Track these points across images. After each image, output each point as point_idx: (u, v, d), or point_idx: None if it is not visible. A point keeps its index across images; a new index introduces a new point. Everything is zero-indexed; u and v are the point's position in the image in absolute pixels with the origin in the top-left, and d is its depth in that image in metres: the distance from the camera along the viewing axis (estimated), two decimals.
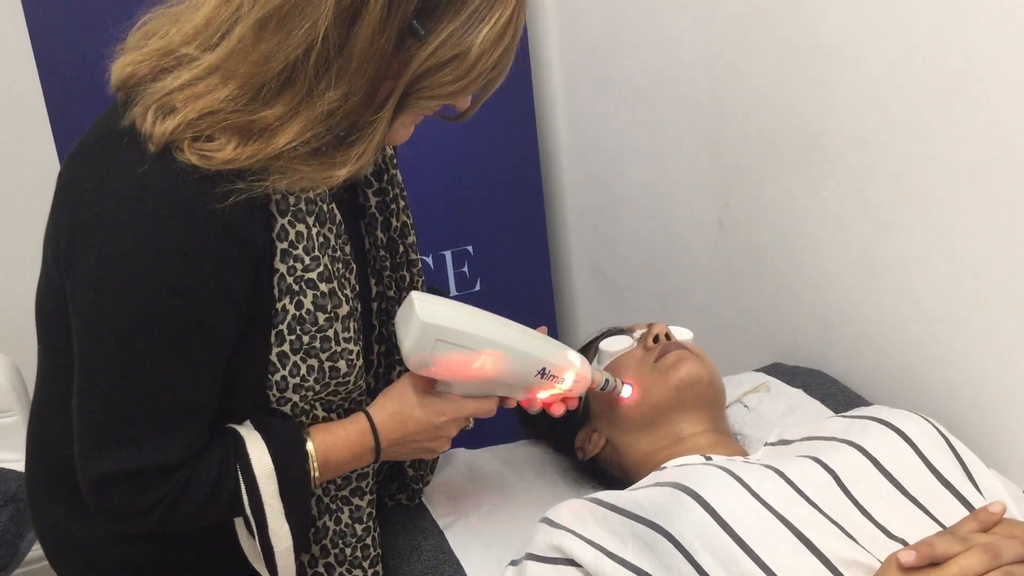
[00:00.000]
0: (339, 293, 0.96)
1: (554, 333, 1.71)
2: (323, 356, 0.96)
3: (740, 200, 1.60)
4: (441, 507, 1.24)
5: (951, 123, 1.17)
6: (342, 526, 1.07)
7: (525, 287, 2.09)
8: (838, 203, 1.38)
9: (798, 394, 1.41)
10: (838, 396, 1.41)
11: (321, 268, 0.94)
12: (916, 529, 0.87)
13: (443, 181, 1.93)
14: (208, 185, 0.84)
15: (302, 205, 0.92)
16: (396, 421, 1.01)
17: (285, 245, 0.91)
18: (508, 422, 1.31)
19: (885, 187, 1.29)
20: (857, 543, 0.85)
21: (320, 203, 0.95)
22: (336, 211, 0.97)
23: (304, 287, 0.93)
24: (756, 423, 1.34)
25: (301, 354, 0.95)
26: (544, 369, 1.02)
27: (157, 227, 0.83)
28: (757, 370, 1.52)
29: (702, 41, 1.59)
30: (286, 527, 0.95)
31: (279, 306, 0.93)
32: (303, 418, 0.99)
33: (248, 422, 0.96)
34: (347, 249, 0.99)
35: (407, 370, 1.02)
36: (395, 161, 1.12)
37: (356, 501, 1.08)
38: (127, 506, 0.91)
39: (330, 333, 0.96)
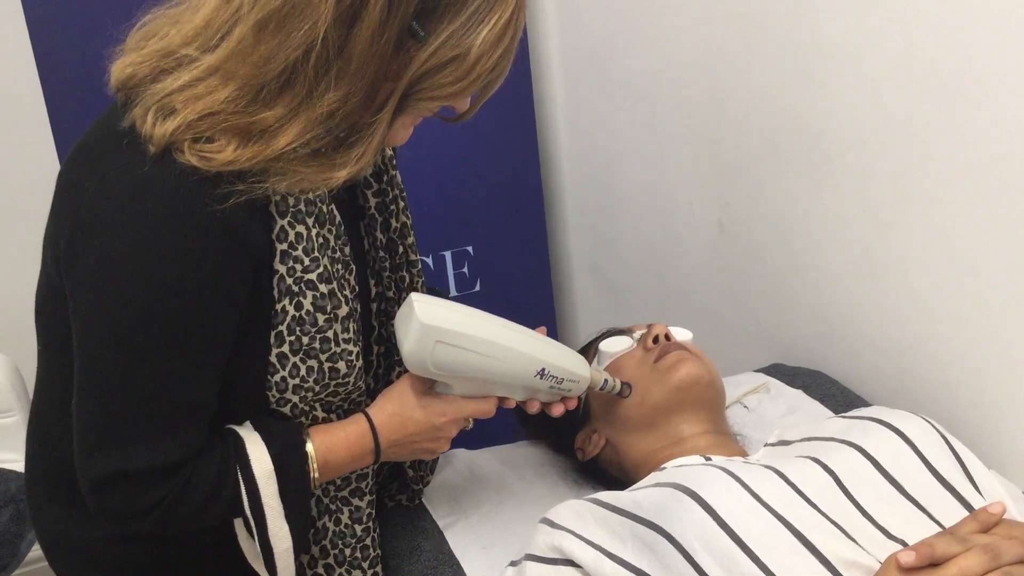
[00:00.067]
0: (339, 294, 0.96)
1: (554, 333, 1.71)
2: (323, 357, 0.96)
3: (740, 200, 1.60)
4: (441, 508, 1.24)
5: (951, 123, 1.17)
6: (342, 527, 1.07)
7: (525, 287, 2.09)
8: (838, 203, 1.38)
9: (798, 395, 1.41)
10: (838, 397, 1.40)
11: (321, 269, 0.94)
12: (916, 530, 0.87)
13: (443, 182, 1.93)
14: (208, 186, 0.84)
15: (302, 206, 0.92)
16: (396, 422, 1.02)
17: (285, 246, 0.91)
18: (508, 423, 1.31)
19: (885, 187, 1.29)
20: (857, 544, 0.85)
21: (320, 204, 0.95)
22: (336, 212, 0.97)
23: (304, 288, 0.93)
24: (756, 424, 1.34)
25: (301, 355, 0.95)
26: (543, 370, 1.02)
27: (157, 228, 0.83)
28: (757, 371, 1.52)
29: (702, 41, 1.59)
30: (286, 528, 0.95)
31: (279, 307, 0.93)
32: (303, 419, 0.99)
33: (248, 423, 0.96)
34: (347, 250, 0.99)
35: (406, 371, 1.02)
36: (395, 162, 1.12)
37: (356, 502, 1.08)
38: (127, 507, 0.91)
39: (330, 334, 0.96)
